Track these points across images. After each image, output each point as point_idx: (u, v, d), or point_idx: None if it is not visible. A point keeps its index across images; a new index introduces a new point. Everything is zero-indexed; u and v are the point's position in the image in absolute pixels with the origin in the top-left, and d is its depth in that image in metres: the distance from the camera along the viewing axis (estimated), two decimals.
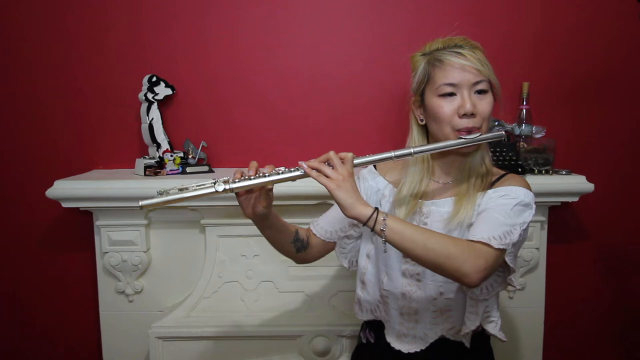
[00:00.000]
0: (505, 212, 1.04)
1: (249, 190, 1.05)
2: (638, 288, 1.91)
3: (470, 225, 1.08)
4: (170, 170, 1.72)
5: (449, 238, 1.01)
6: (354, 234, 1.25)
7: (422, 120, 1.16)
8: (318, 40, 1.81)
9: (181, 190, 1.00)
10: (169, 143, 1.76)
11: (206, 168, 1.76)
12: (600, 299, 1.91)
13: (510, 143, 1.64)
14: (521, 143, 1.69)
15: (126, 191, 1.59)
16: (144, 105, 1.74)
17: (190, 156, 1.76)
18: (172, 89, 1.77)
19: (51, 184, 1.60)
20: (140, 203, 0.98)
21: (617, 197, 1.86)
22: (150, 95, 1.73)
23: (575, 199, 1.65)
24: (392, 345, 1.21)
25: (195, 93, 1.82)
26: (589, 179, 1.63)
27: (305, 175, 1.02)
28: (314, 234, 1.26)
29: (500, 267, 1.06)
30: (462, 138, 1.06)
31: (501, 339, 1.17)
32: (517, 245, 1.05)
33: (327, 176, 0.99)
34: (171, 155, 1.73)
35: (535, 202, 1.62)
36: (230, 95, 1.82)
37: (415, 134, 1.18)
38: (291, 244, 1.22)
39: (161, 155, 1.74)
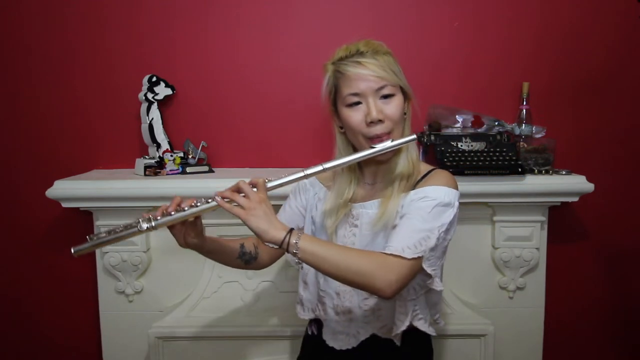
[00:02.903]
0: (423, 217, 1.05)
1: (171, 225, 1.08)
2: (638, 288, 1.91)
3: (394, 227, 1.10)
4: (170, 170, 1.72)
5: (362, 254, 1.03)
6: None
7: (341, 128, 1.18)
8: (318, 40, 1.81)
9: (109, 233, 1.06)
10: (169, 143, 1.76)
11: (206, 168, 1.76)
12: (600, 298, 1.91)
13: (510, 143, 1.64)
14: (521, 143, 1.69)
15: (126, 191, 1.59)
16: (144, 105, 1.74)
17: (190, 156, 1.76)
18: (172, 89, 1.77)
19: (51, 184, 1.60)
20: (73, 250, 1.06)
21: (617, 197, 1.85)
22: (150, 95, 1.73)
23: (575, 199, 1.65)
24: (327, 342, 1.25)
25: (195, 93, 1.82)
26: (589, 179, 1.62)
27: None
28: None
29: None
30: (373, 147, 1.09)
31: (430, 334, 1.20)
32: (438, 247, 1.07)
33: (241, 206, 1.01)
34: (171, 155, 1.73)
35: (535, 202, 1.64)
36: (230, 95, 1.82)
37: (339, 143, 1.21)
38: (237, 259, 1.25)
39: (161, 155, 1.74)
